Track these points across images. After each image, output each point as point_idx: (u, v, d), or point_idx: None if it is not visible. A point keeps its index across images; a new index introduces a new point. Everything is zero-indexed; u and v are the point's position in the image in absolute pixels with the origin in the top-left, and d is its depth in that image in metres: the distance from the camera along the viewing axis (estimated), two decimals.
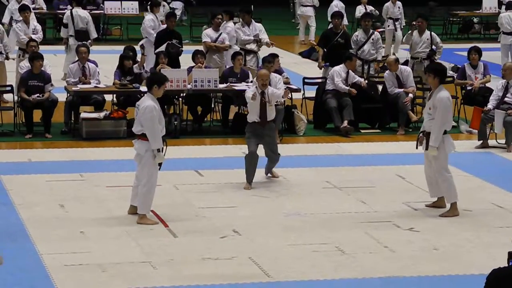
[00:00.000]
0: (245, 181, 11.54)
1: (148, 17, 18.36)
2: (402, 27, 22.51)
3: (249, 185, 11.53)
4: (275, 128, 12.14)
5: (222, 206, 10.81)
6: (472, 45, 16.36)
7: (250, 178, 11.58)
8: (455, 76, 17.14)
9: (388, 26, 22.23)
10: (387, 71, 15.17)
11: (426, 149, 10.46)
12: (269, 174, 12.05)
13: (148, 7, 19.70)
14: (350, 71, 15.06)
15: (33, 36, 16.70)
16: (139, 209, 10.12)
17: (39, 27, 17.61)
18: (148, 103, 9.99)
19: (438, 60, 17.06)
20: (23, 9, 17.88)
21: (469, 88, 15.20)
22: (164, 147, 10.07)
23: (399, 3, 22.55)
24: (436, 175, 10.45)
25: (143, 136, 10.01)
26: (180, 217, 10.39)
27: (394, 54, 19.98)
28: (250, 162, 11.57)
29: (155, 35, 17.26)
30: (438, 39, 16.80)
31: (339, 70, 15.02)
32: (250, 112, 11.79)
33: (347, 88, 14.83)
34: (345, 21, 21.60)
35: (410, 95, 14.79)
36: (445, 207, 10.66)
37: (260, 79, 11.74)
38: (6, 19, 19.80)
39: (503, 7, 25.48)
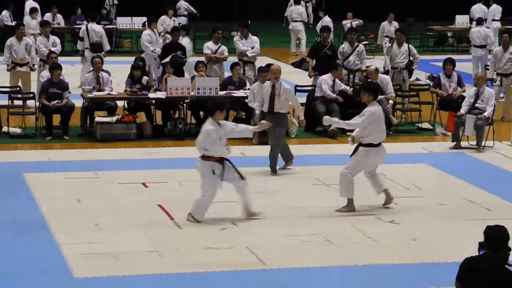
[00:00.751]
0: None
1: (145, 32, 18.26)
2: None
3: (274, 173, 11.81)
4: (284, 121, 12.09)
5: (222, 201, 10.76)
6: (447, 56, 16.35)
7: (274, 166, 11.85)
8: (430, 84, 17.17)
9: (385, 43, 21.75)
10: (368, 80, 15.14)
11: (351, 155, 10.33)
12: (287, 167, 12.13)
13: (146, 23, 19.67)
14: (336, 79, 15.04)
15: (53, 49, 16.67)
16: (193, 210, 9.88)
17: (57, 40, 17.58)
18: (207, 127, 9.83)
19: (415, 69, 17.09)
20: (44, 24, 17.85)
21: (444, 95, 15.18)
22: (219, 167, 9.81)
23: (395, 23, 22.28)
24: (342, 170, 10.24)
25: (204, 157, 9.84)
26: (184, 210, 10.35)
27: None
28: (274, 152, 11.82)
29: (151, 48, 17.31)
30: (415, 51, 16.79)
31: (326, 78, 15.01)
32: (264, 104, 11.96)
33: (334, 96, 14.81)
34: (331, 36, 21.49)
35: (391, 101, 14.76)
36: (392, 199, 10.48)
37: (272, 74, 11.89)
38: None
39: (474, 22, 25.55)
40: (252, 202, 10.10)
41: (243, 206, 10.06)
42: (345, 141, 14.30)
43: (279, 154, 12.10)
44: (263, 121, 10.55)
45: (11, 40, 16.19)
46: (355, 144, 10.41)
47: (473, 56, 19.82)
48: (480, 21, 21.15)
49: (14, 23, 20.76)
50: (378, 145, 10.28)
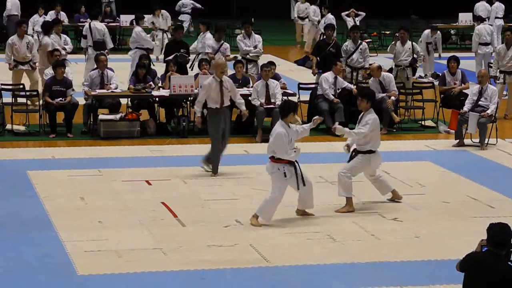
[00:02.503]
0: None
1: (138, 29, 18.21)
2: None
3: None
4: (230, 113, 12.12)
5: (225, 199, 10.80)
6: (450, 54, 16.35)
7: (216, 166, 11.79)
8: (434, 82, 17.16)
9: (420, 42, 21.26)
10: (371, 78, 15.15)
11: (348, 161, 10.36)
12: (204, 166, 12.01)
13: (134, 21, 19.55)
14: (338, 76, 15.04)
15: (66, 47, 16.74)
16: (259, 211, 9.76)
17: (68, 38, 17.60)
18: (279, 130, 9.71)
19: (418, 67, 17.09)
20: (56, 23, 17.79)
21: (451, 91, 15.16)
22: (290, 169, 9.72)
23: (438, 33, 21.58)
24: (341, 170, 10.27)
25: (273, 158, 9.75)
26: (187, 208, 10.38)
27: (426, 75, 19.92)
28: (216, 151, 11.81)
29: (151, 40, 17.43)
30: (418, 49, 16.80)
31: (326, 76, 15.01)
32: (211, 99, 11.79)
33: (332, 97, 14.78)
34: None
35: (392, 97, 14.76)
36: (400, 198, 10.59)
37: (218, 68, 11.83)
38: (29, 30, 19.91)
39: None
40: (252, 196, 10.05)
41: (299, 209, 10.05)
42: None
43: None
44: (316, 117, 10.44)
45: (13, 39, 16.21)
46: (351, 149, 10.45)
47: (478, 54, 19.79)
48: (482, 19, 21.08)
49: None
50: (375, 151, 10.34)
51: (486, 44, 19.77)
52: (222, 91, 11.77)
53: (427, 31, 21.05)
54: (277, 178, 9.75)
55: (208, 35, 17.11)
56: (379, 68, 15.04)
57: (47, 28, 17.00)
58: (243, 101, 12.31)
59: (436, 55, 21.26)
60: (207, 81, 12.00)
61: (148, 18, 22.35)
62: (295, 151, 9.77)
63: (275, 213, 10.04)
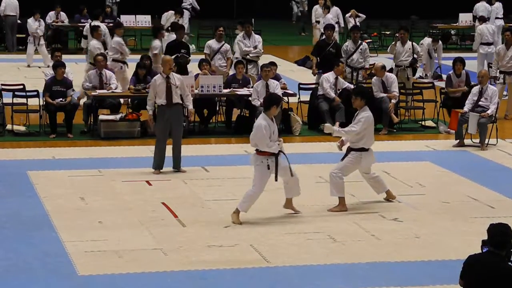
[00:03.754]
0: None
1: (93, 42, 17.39)
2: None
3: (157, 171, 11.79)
4: (181, 111, 12.13)
5: (226, 199, 10.79)
6: (451, 55, 16.34)
7: (160, 163, 11.84)
8: (434, 82, 17.16)
9: (422, 44, 21.14)
10: (374, 77, 15.14)
11: (342, 159, 10.36)
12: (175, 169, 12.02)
13: (89, 34, 19.12)
14: (339, 77, 15.03)
15: (110, 53, 16.41)
16: (239, 205, 9.82)
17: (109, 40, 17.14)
18: (259, 122, 9.71)
19: (419, 67, 17.08)
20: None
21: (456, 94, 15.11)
22: (274, 161, 9.72)
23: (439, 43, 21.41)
24: (332, 170, 10.27)
25: (258, 151, 9.76)
26: (188, 208, 10.37)
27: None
28: (161, 147, 11.85)
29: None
30: (418, 49, 16.80)
31: (327, 76, 15.01)
32: (159, 96, 11.84)
33: (333, 96, 14.78)
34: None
35: (393, 100, 14.73)
36: (394, 198, 10.60)
37: (166, 65, 11.90)
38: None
39: (477, 20, 25.49)
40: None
41: (286, 200, 10.08)
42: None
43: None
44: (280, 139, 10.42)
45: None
46: (344, 147, 10.47)
47: (480, 53, 19.74)
48: (484, 19, 21.06)
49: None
50: (368, 149, 10.32)
51: (488, 44, 19.75)
52: (169, 87, 11.77)
53: (429, 40, 20.96)
54: (260, 170, 9.76)
55: (239, 36, 17.00)
56: (383, 67, 15.03)
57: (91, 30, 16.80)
58: (191, 99, 12.29)
59: (436, 55, 21.22)
60: (154, 78, 12.14)
61: (167, 14, 22.32)
62: (278, 144, 9.77)
63: (274, 214, 10.05)
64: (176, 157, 12.06)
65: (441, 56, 20.93)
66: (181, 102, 11.98)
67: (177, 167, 12.05)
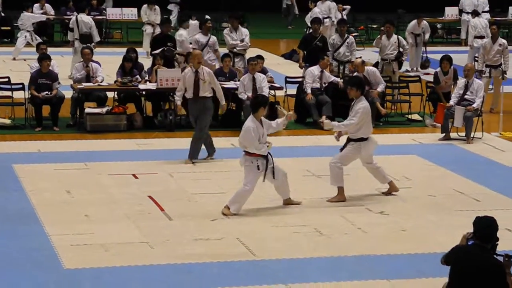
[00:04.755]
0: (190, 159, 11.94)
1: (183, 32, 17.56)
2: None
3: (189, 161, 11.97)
4: (210, 106, 12.20)
5: (212, 192, 10.78)
6: (437, 48, 16.36)
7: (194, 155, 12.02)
8: (420, 76, 17.19)
9: (410, 40, 20.76)
10: (355, 73, 15.14)
11: (341, 150, 10.44)
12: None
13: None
14: (324, 71, 15.04)
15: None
16: (230, 202, 9.85)
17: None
18: (248, 124, 9.80)
19: (404, 61, 17.09)
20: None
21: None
22: (263, 162, 9.80)
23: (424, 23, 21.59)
24: (332, 160, 10.37)
25: (247, 153, 9.82)
26: (174, 202, 10.36)
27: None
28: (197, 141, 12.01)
29: None
30: (404, 42, 16.82)
31: (313, 69, 15.01)
32: (187, 89, 12.02)
33: (309, 92, 14.73)
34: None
35: (379, 89, 14.72)
36: (397, 190, 10.65)
37: (195, 59, 12.06)
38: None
39: (463, 14, 25.54)
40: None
41: (284, 200, 10.18)
42: (334, 133, 14.33)
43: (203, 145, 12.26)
44: (290, 112, 10.50)
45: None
46: (340, 138, 10.52)
47: (473, 46, 19.68)
48: (477, 13, 21.06)
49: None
50: (367, 138, 10.37)
51: (481, 37, 19.75)
52: (196, 82, 11.83)
53: (413, 22, 21.01)
54: (250, 170, 9.81)
55: (226, 30, 16.95)
56: (363, 63, 15.05)
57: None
58: (222, 94, 12.43)
59: (423, 49, 21.26)
60: (184, 71, 12.35)
61: (143, 8, 22.29)
62: (267, 146, 9.81)
63: (261, 207, 10.05)
64: (193, 147, 12.15)
65: (428, 34, 20.92)
66: (209, 96, 12.08)
67: (193, 157, 12.13)
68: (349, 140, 10.43)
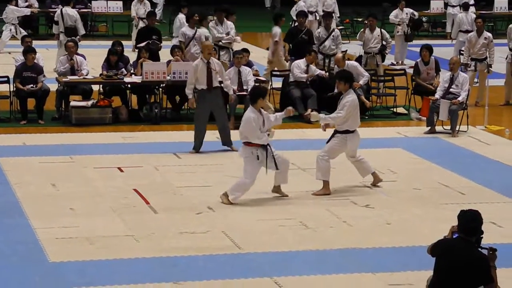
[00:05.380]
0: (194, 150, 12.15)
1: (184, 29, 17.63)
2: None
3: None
4: (220, 94, 12.37)
5: (198, 186, 10.77)
6: (422, 41, 16.37)
7: (198, 144, 12.11)
8: (406, 69, 17.21)
9: (398, 32, 20.83)
10: (335, 67, 15.13)
11: (327, 142, 10.53)
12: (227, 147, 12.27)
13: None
14: (310, 64, 15.04)
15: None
16: (230, 190, 9.93)
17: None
18: (248, 115, 9.93)
19: (388, 54, 17.10)
20: (190, 15, 16.94)
21: (427, 83, 15.09)
22: (263, 152, 9.91)
23: (407, 9, 21.65)
24: (319, 154, 10.42)
25: (247, 143, 9.93)
26: (160, 195, 10.34)
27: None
28: (200, 129, 12.11)
29: None
30: (387, 35, 16.81)
31: (299, 63, 15.01)
32: (199, 81, 12.07)
33: (305, 76, 14.79)
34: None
35: (361, 82, 14.70)
36: (381, 180, 10.72)
37: (206, 50, 12.16)
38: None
39: (449, 7, 25.58)
40: (224, 183, 10.18)
41: (275, 186, 10.23)
42: (319, 125, 14.33)
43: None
44: (289, 107, 10.55)
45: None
46: (327, 129, 10.58)
47: (459, 41, 19.71)
48: (466, 7, 21.08)
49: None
50: (354, 131, 10.38)
51: (468, 31, 19.75)
52: (209, 72, 11.91)
53: (395, 11, 21.03)
54: (250, 161, 9.87)
55: (212, 23, 16.92)
56: (344, 58, 15.04)
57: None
58: (229, 83, 12.64)
59: (409, 43, 21.29)
60: (195, 62, 12.41)
61: (133, 3, 22.18)
62: (268, 134, 9.93)
63: (249, 199, 10.05)
64: (226, 136, 12.30)
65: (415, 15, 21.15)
66: (219, 86, 12.23)
67: (229, 144, 12.29)
68: (335, 132, 10.46)
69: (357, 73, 14.81)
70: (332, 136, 10.50)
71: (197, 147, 12.28)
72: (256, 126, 9.84)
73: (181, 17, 17.68)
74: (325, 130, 10.60)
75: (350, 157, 10.65)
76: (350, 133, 10.42)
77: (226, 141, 12.41)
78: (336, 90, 14.96)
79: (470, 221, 6.11)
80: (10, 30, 21.20)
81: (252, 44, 22.53)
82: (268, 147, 9.95)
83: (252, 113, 9.90)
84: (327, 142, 10.49)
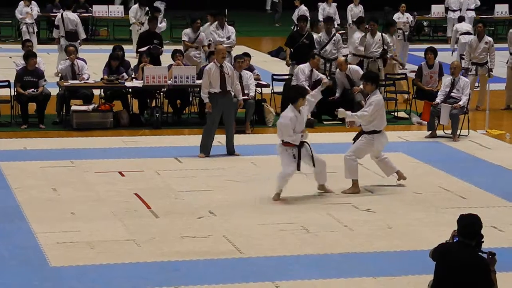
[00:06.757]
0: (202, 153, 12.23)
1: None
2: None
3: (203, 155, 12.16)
4: (232, 99, 12.46)
5: (199, 190, 10.77)
6: (423, 46, 16.37)
7: (207, 148, 12.16)
8: (407, 74, 17.21)
9: (398, 36, 20.86)
10: (337, 71, 15.14)
11: (353, 140, 10.78)
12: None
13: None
14: (314, 69, 15.05)
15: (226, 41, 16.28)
16: (276, 188, 10.24)
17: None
18: (286, 114, 10.21)
19: (389, 58, 17.11)
20: (218, 14, 17.25)
21: (429, 87, 15.09)
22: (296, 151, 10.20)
23: (407, 14, 21.69)
24: (346, 154, 10.67)
25: (284, 142, 10.21)
26: (161, 199, 10.35)
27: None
28: (210, 133, 12.17)
29: None
30: (388, 40, 16.80)
31: (303, 68, 15.02)
32: (212, 85, 12.15)
33: (308, 89, 14.81)
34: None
35: (361, 86, 14.72)
36: (405, 178, 10.97)
37: (219, 54, 12.24)
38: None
39: (449, 12, 25.62)
40: (225, 187, 10.31)
41: (319, 184, 10.57)
42: (321, 130, 14.36)
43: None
44: (325, 80, 10.79)
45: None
46: (350, 127, 10.91)
47: (461, 43, 19.68)
48: (462, 19, 21.10)
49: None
50: (380, 131, 10.64)
51: (469, 33, 19.75)
52: (222, 76, 12.02)
53: (396, 14, 21.09)
54: (286, 156, 10.21)
55: (212, 27, 16.95)
56: (346, 61, 15.05)
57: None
58: (239, 88, 12.75)
59: (410, 46, 21.31)
60: (208, 66, 12.50)
61: (133, 8, 22.20)
62: (302, 135, 10.20)
63: (250, 204, 10.04)
64: (231, 144, 12.41)
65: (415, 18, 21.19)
66: (231, 89, 12.32)
67: (231, 152, 12.36)
68: (362, 132, 10.66)
69: (359, 78, 14.83)
70: (358, 136, 10.64)
71: (206, 151, 12.29)
72: (291, 124, 10.09)
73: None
74: (349, 127, 10.91)
75: (375, 157, 10.87)
76: (377, 133, 10.61)
77: (231, 149, 12.41)
78: (337, 95, 15.07)
79: (469, 225, 6.11)
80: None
81: (253, 48, 22.57)
82: (306, 144, 10.24)
83: (292, 112, 10.18)
84: (353, 142, 10.71)
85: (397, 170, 11.00)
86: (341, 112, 10.86)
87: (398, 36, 20.86)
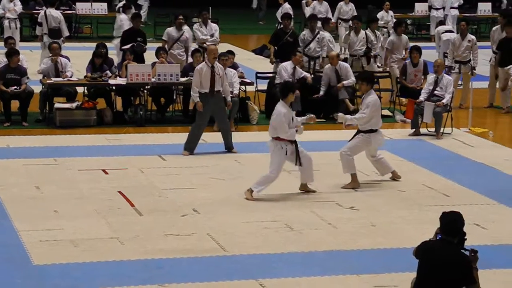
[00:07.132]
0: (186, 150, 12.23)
1: (123, 16, 18.04)
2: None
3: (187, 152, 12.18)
4: (222, 98, 12.43)
5: (183, 188, 10.76)
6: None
7: (192, 146, 12.16)
8: (390, 72, 17.24)
9: (383, 34, 20.79)
10: (327, 65, 15.17)
11: (350, 140, 10.87)
12: None
13: (121, 8, 19.43)
14: (297, 66, 15.06)
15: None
16: (254, 185, 10.20)
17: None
18: (279, 109, 10.20)
19: (373, 56, 17.15)
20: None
21: (412, 86, 15.13)
22: (291, 147, 10.21)
23: (391, 12, 21.78)
24: (342, 150, 10.77)
25: (276, 138, 10.19)
26: (145, 197, 10.33)
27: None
28: (197, 132, 12.18)
29: None
30: (372, 38, 16.86)
31: (285, 65, 15.03)
32: (202, 84, 12.16)
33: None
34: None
35: (345, 82, 14.80)
36: (400, 177, 11.10)
37: (211, 54, 12.28)
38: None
39: (432, 10, 25.70)
40: (209, 185, 10.24)
41: (302, 184, 10.51)
42: (305, 128, 14.33)
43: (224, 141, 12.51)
44: (312, 115, 10.71)
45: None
46: (345, 125, 11.06)
47: (443, 41, 19.74)
48: (442, 23, 21.17)
49: None
50: (377, 130, 10.74)
51: (450, 31, 19.81)
52: (213, 76, 12.06)
53: (380, 13, 21.14)
54: (278, 155, 10.18)
55: (196, 25, 16.97)
56: (338, 56, 15.10)
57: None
58: (229, 88, 12.70)
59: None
60: (199, 65, 12.50)
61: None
62: (297, 131, 10.21)
63: (234, 202, 10.05)
64: (226, 138, 12.42)
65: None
66: (220, 89, 12.31)
67: (229, 148, 12.39)
68: (358, 131, 10.76)
69: (347, 75, 14.93)
70: (355, 135, 10.77)
71: (191, 149, 12.27)
72: (285, 120, 10.11)
73: (123, 17, 18.08)
74: (345, 127, 11.07)
75: (371, 157, 10.94)
76: (374, 132, 10.72)
77: (229, 145, 12.44)
78: (321, 93, 15.09)
79: (451, 222, 6.14)
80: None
81: (237, 46, 22.56)
82: (296, 142, 10.21)
83: (283, 108, 10.19)
84: (349, 140, 10.79)
85: (393, 170, 11.11)
86: (341, 116, 11.01)
87: (383, 35, 20.88)
